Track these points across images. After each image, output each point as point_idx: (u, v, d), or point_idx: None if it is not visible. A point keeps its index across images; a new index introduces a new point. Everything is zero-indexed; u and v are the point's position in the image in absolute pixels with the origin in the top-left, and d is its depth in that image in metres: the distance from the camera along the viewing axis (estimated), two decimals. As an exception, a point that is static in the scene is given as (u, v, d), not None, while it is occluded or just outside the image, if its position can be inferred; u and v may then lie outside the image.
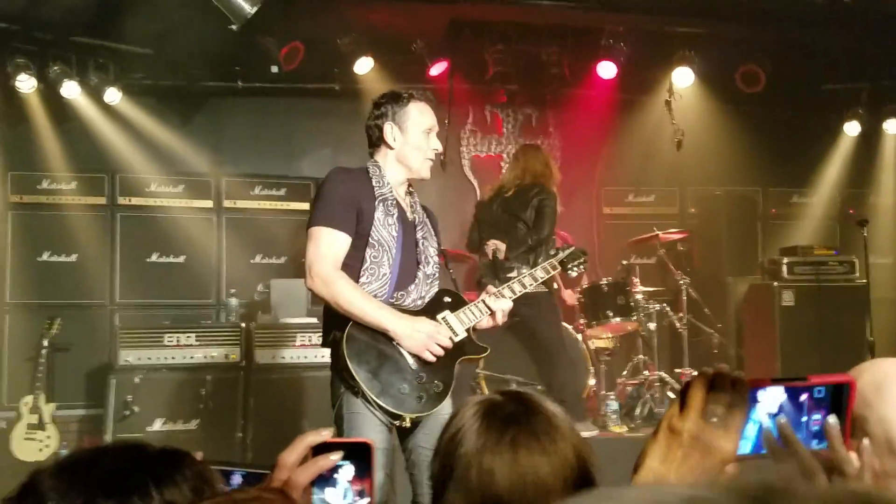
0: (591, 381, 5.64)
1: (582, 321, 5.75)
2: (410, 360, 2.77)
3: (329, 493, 1.13)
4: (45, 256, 6.05)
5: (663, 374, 5.79)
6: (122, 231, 6.22)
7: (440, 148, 3.01)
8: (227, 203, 6.47)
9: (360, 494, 1.14)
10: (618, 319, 5.65)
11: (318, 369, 5.34)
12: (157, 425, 5.33)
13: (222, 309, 6.19)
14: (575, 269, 3.34)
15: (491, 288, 3.02)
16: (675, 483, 0.98)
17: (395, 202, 2.90)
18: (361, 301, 2.72)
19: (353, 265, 2.79)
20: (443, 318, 2.87)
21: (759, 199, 7.34)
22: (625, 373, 6.00)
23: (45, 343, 5.57)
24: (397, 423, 2.72)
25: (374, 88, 6.26)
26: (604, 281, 5.77)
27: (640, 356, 5.99)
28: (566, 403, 4.73)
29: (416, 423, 2.74)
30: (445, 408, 2.77)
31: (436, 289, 2.98)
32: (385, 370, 2.73)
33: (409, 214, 2.97)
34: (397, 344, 2.76)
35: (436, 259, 3.01)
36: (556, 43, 6.44)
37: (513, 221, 5.31)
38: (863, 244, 5.72)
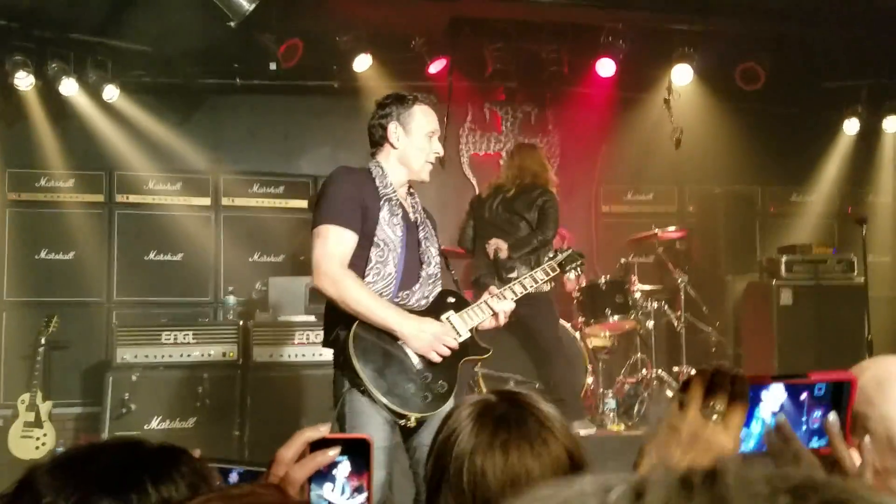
0: (589, 380, 5.64)
1: (580, 319, 5.75)
2: (415, 360, 2.78)
3: (327, 489, 1.12)
4: (42, 254, 6.04)
5: (661, 373, 5.79)
6: (120, 229, 6.22)
7: (441, 152, 3.02)
8: (225, 201, 6.47)
9: (358, 490, 1.14)
10: (616, 318, 5.65)
11: (316, 367, 5.34)
12: (155, 423, 5.32)
13: (220, 307, 6.19)
14: (573, 271, 3.37)
15: (493, 289, 3.04)
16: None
17: (398, 202, 2.91)
18: (369, 300, 2.73)
19: (357, 264, 2.80)
20: (447, 319, 2.89)
21: (757, 197, 7.34)
22: (623, 371, 6.00)
23: (43, 341, 5.56)
24: (402, 422, 2.73)
25: (373, 86, 6.27)
26: (602, 279, 5.76)
27: (639, 354, 5.98)
28: (564, 402, 4.73)
29: (420, 422, 2.75)
30: (449, 407, 2.77)
31: (438, 289, 2.99)
32: (390, 369, 2.74)
33: (411, 215, 2.99)
34: (402, 344, 2.77)
35: (437, 259, 3.03)
36: (555, 41, 6.43)
37: (515, 221, 5.30)
38: (861, 243, 5.73)
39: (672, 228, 6.36)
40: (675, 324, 6.06)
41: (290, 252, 6.50)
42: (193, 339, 5.51)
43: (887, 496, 0.48)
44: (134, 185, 6.26)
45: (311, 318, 5.58)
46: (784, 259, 6.27)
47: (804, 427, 1.12)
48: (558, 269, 3.30)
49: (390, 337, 2.76)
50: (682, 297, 6.09)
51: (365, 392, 2.70)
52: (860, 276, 6.09)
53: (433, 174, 3.08)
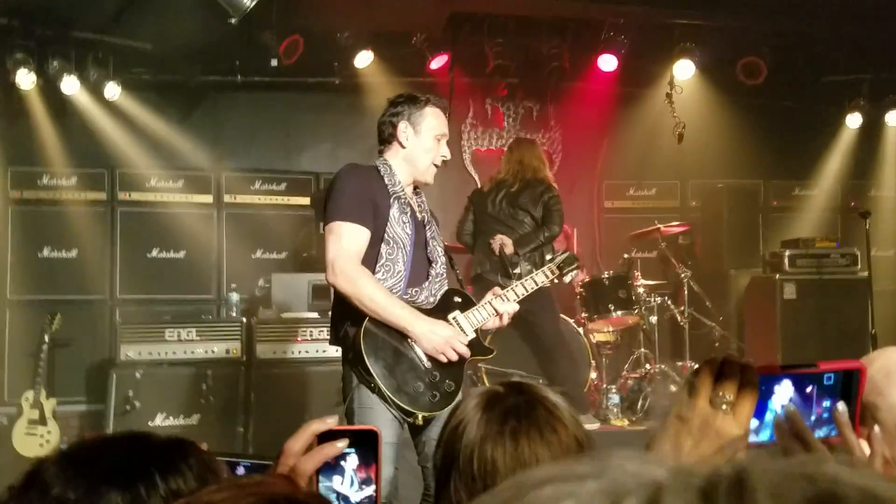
0: (593, 375, 5.65)
1: (583, 315, 5.75)
2: (424, 359, 2.80)
3: (336, 480, 1.12)
4: (45, 252, 6.05)
5: (665, 368, 5.78)
6: (123, 226, 6.22)
7: (449, 156, 3.04)
8: (227, 198, 6.47)
9: (366, 483, 1.13)
10: (619, 313, 5.64)
11: (319, 364, 5.35)
12: (158, 420, 5.33)
13: (223, 304, 6.19)
14: (569, 274, 3.39)
15: (497, 290, 3.06)
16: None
17: (406, 201, 2.93)
18: (384, 298, 2.74)
19: (366, 261, 2.80)
20: (453, 318, 2.91)
21: (760, 191, 7.33)
22: (626, 366, 6.00)
23: (46, 339, 5.56)
24: (410, 420, 2.75)
25: (374, 82, 6.27)
26: (605, 274, 5.76)
27: (642, 350, 5.98)
28: (567, 396, 4.72)
29: (427, 420, 2.77)
30: None
31: (445, 287, 3.01)
32: (400, 367, 2.76)
33: (418, 214, 3.00)
34: (411, 342, 2.78)
35: (443, 258, 3.04)
36: (556, 36, 6.42)
37: (520, 216, 5.29)
38: (865, 236, 5.72)
39: (675, 223, 6.36)
40: (679, 319, 6.05)
41: (293, 249, 6.50)
42: (197, 336, 5.51)
43: None
44: (136, 182, 6.26)
45: (314, 315, 5.59)
46: (787, 253, 6.26)
47: (813, 417, 1.11)
48: (557, 272, 3.32)
49: (399, 335, 2.77)
50: (686, 291, 6.08)
51: (375, 388, 2.71)
52: (864, 270, 6.08)
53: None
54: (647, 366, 5.85)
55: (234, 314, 5.86)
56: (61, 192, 6.11)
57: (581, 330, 5.65)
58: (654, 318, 5.99)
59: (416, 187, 3.07)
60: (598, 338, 5.89)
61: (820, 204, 7.35)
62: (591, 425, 5.09)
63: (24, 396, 5.44)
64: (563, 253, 3.41)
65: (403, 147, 2.96)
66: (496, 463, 1.23)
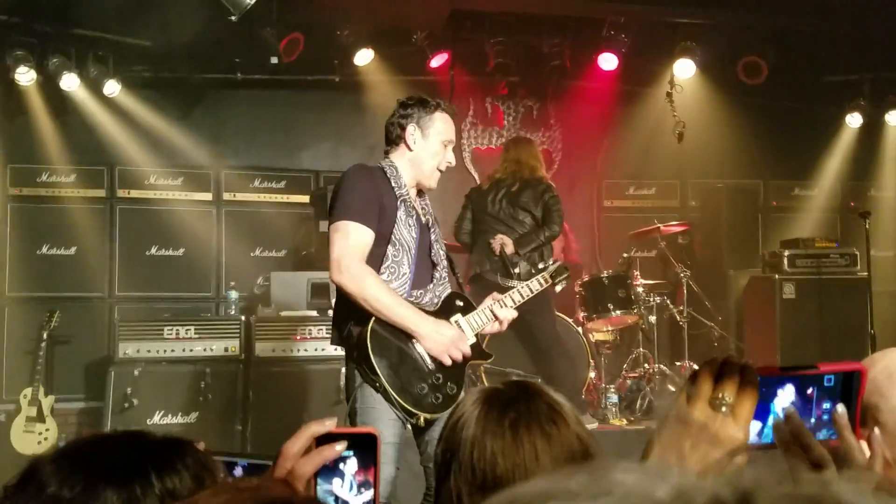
0: (592, 374, 5.64)
1: (582, 314, 5.74)
2: (427, 361, 2.80)
3: (336, 484, 1.11)
4: (44, 249, 6.04)
5: (664, 367, 5.78)
6: (122, 224, 6.21)
7: (454, 162, 3.04)
8: (226, 196, 6.46)
9: (365, 486, 1.12)
10: (618, 312, 5.63)
11: (318, 362, 5.34)
12: (157, 418, 5.32)
13: (222, 302, 6.19)
14: (560, 283, 3.40)
15: (496, 294, 3.07)
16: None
17: (411, 203, 2.94)
18: (389, 298, 2.75)
19: (371, 262, 2.81)
20: (455, 322, 2.92)
21: (760, 191, 7.33)
22: (625, 366, 5.99)
23: (45, 336, 5.56)
24: (412, 420, 2.75)
25: (375, 80, 6.26)
26: (604, 274, 5.75)
27: (641, 349, 5.98)
28: (566, 395, 4.72)
29: (429, 422, 2.77)
30: None
31: (447, 290, 3.02)
32: (405, 367, 2.76)
33: (422, 217, 3.01)
34: (415, 343, 2.79)
35: (445, 262, 3.06)
36: (557, 34, 6.41)
37: (520, 216, 5.26)
38: (864, 237, 5.72)
39: (674, 223, 6.36)
40: (678, 318, 6.05)
41: (292, 247, 6.49)
42: (195, 334, 5.51)
43: None
44: (135, 179, 6.26)
45: (313, 314, 5.58)
46: (787, 253, 6.25)
47: (813, 419, 1.11)
48: (550, 280, 3.32)
49: (404, 335, 2.78)
50: (685, 291, 6.08)
51: (379, 388, 2.72)
52: (863, 270, 6.08)
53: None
54: (646, 365, 5.84)
55: (233, 312, 5.86)
56: (60, 189, 6.10)
57: (580, 329, 5.64)
58: (653, 318, 5.99)
59: (420, 190, 3.07)
60: (596, 337, 5.89)
61: (819, 204, 7.35)
62: (590, 425, 5.08)
63: (23, 394, 5.44)
64: (553, 263, 3.42)
65: (410, 150, 2.96)
66: (496, 455, 1.23)
